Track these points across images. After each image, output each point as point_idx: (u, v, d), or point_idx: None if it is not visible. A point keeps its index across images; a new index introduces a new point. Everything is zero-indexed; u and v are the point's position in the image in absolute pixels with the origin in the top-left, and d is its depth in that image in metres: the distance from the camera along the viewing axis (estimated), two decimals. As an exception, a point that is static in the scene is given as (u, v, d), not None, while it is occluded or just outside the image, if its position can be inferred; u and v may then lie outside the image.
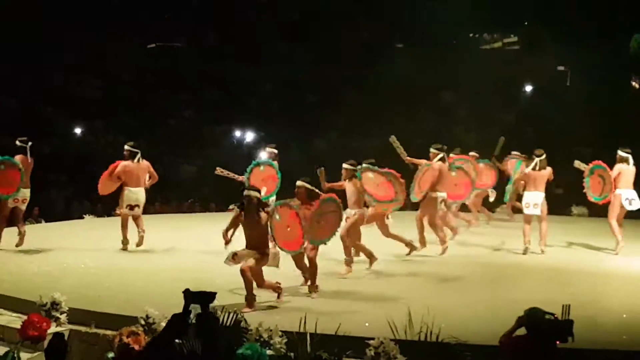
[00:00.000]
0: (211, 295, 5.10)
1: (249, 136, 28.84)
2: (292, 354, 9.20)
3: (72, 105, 28.97)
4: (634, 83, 32.55)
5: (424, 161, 15.04)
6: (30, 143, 15.04)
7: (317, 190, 12.19)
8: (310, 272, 12.07)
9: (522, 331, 7.90)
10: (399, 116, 28.25)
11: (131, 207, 14.91)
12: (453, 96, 30.77)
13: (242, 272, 11.04)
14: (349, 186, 13.28)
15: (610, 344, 9.72)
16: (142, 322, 9.79)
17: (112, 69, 31.58)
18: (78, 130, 28.10)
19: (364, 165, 13.54)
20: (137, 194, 14.92)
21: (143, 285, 11.94)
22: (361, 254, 13.72)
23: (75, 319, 10.69)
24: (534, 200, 15.22)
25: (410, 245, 14.64)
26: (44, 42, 31.95)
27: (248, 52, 32.76)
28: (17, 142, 15.04)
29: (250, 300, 11.02)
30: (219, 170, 14.97)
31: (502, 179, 17.82)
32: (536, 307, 7.96)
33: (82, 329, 10.45)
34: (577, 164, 15.70)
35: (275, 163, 14.78)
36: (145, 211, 15.90)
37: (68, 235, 17.61)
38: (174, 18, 34.39)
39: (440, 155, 15.02)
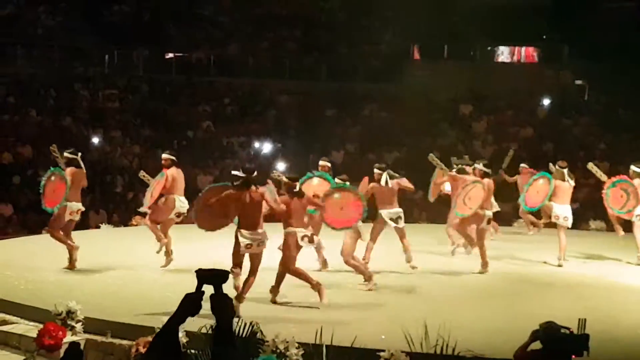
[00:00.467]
0: (224, 275, 5.10)
1: (266, 147, 28.88)
2: (305, 363, 9.24)
3: (91, 115, 29.10)
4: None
5: (470, 177, 14.99)
6: (80, 154, 14.79)
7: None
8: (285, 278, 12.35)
9: (537, 345, 7.88)
10: (417, 129, 28.26)
11: (178, 215, 14.60)
12: (471, 110, 30.74)
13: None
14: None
15: (626, 358, 9.69)
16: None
17: (131, 80, 31.75)
18: (96, 140, 28.18)
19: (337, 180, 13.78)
20: (184, 202, 14.60)
21: (160, 295, 11.96)
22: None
23: (91, 328, 10.74)
24: (562, 212, 15.28)
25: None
26: (63, 51, 32.21)
27: (267, 65, 32.89)
28: (66, 154, 14.65)
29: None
30: (142, 174, 15.08)
31: (515, 192, 17.77)
32: (552, 321, 7.94)
33: (99, 338, 10.50)
34: (591, 166, 15.66)
35: (329, 176, 14.57)
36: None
37: (85, 244, 17.63)
38: (193, 29, 34.53)
39: (488, 171, 14.85)
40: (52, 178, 14.34)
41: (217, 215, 11.74)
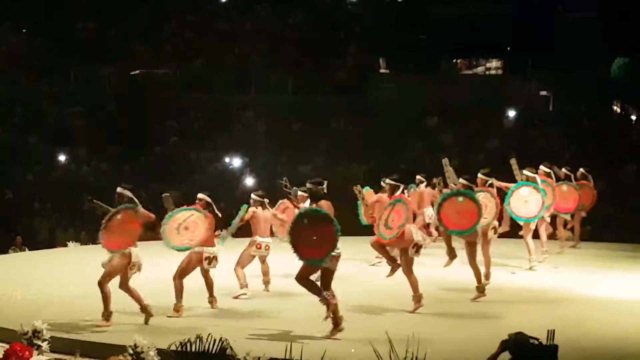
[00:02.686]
0: None
1: (234, 162, 28.87)
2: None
3: (56, 133, 28.95)
4: (615, 107, 32.76)
5: (503, 184, 15.22)
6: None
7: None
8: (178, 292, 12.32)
9: (506, 355, 7.93)
10: (384, 142, 28.34)
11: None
12: (437, 121, 30.88)
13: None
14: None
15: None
16: (131, 351, 9.76)
17: (96, 96, 31.59)
18: (62, 158, 28.05)
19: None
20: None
21: (130, 313, 11.90)
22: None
23: (60, 348, 10.63)
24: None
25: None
26: (26, 69, 31.98)
27: (233, 80, 32.85)
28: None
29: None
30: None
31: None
32: (521, 332, 7.99)
33: (67, 357, 10.41)
34: (513, 162, 15.73)
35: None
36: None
37: (52, 263, 17.56)
38: (159, 45, 34.41)
39: (490, 181, 14.88)
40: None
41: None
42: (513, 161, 15.96)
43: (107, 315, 11.64)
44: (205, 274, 12.74)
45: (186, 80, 32.95)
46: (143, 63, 33.66)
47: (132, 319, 11.74)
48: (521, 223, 16.07)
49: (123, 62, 33.05)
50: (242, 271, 13.72)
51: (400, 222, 12.34)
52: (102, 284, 11.71)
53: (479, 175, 14.92)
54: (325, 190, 11.39)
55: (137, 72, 33.86)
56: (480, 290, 13.52)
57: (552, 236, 17.88)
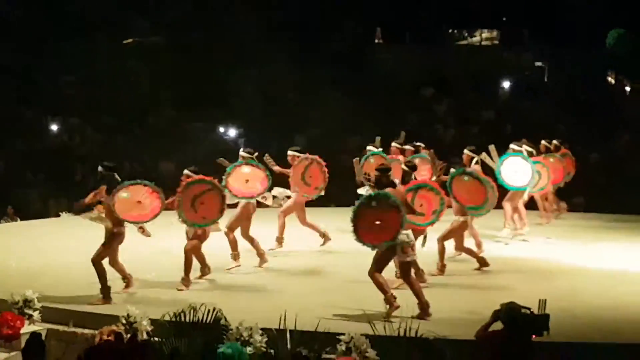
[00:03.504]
0: None
1: (231, 132, 28.83)
2: (272, 351, 9.23)
3: (49, 102, 28.84)
4: (609, 79, 32.73)
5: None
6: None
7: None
8: (188, 266, 12.25)
9: (498, 325, 7.96)
10: (379, 113, 28.27)
11: None
12: (433, 93, 30.81)
13: None
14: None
15: (585, 337, 9.80)
16: (124, 320, 9.78)
17: (89, 65, 31.42)
18: (54, 128, 27.95)
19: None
20: None
21: (121, 284, 11.89)
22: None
23: (53, 318, 10.66)
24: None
25: (324, 235, 15.13)
26: (18, 39, 31.80)
27: (229, 50, 32.69)
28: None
29: None
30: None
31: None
32: (513, 302, 8.02)
33: (61, 327, 10.43)
34: (484, 156, 15.58)
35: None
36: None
37: (46, 233, 17.56)
38: (154, 15, 34.21)
39: (477, 158, 14.83)
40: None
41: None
42: (492, 147, 15.85)
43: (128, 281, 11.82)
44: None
45: (181, 50, 32.78)
46: (137, 32, 33.49)
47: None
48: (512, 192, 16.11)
49: (117, 31, 32.87)
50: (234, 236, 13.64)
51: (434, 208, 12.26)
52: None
53: (465, 152, 14.95)
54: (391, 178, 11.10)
55: (131, 40, 33.70)
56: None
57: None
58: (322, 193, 14.98)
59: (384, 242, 10.54)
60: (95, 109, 28.64)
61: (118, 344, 8.23)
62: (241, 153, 14.14)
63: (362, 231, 10.52)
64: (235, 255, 13.51)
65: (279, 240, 14.97)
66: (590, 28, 30.82)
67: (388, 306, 10.47)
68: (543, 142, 17.83)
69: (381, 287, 10.64)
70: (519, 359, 7.90)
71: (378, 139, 16.63)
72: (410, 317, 9.48)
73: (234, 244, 13.52)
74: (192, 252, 12.31)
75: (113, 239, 11.68)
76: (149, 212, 11.79)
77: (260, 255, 13.78)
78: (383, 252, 10.63)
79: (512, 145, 16.07)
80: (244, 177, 13.66)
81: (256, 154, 14.07)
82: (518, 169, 15.66)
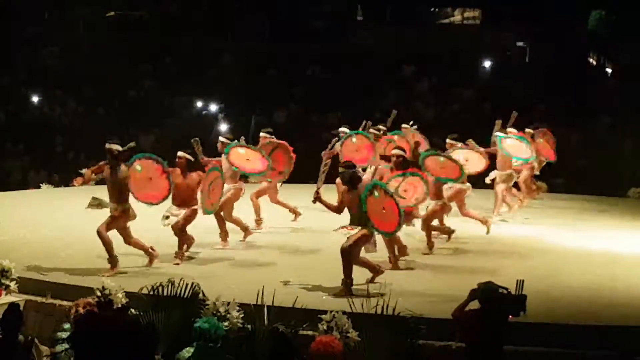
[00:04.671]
0: None
1: (212, 107, 28.72)
2: (249, 327, 9.24)
3: (30, 74, 28.65)
4: (591, 60, 32.77)
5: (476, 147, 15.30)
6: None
7: (197, 161, 12.59)
8: (181, 241, 12.31)
9: (475, 304, 7.99)
10: (359, 90, 28.23)
11: None
12: (414, 70, 30.76)
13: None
14: (224, 161, 13.47)
15: (562, 318, 9.86)
16: (99, 293, 9.77)
17: (71, 38, 31.22)
18: (35, 99, 27.75)
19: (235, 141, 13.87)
20: None
21: (100, 256, 11.87)
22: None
23: (31, 289, 10.64)
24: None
25: (294, 211, 15.40)
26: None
27: (209, 24, 32.51)
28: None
29: None
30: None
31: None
32: (490, 281, 8.06)
33: (38, 299, 10.42)
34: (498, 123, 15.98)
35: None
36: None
37: (25, 204, 17.49)
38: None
39: (459, 145, 15.01)
40: None
41: None
42: (498, 122, 16.23)
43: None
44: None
45: (161, 24, 32.60)
46: (118, 5, 33.27)
47: (102, 262, 11.70)
48: (519, 163, 16.26)
49: (97, 4, 32.64)
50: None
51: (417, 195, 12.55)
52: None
53: (448, 140, 15.15)
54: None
55: (112, 13, 33.48)
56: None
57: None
58: (286, 178, 14.97)
59: (394, 229, 11.06)
60: (76, 81, 28.46)
61: (109, 314, 8.24)
62: (220, 139, 14.10)
63: (376, 221, 10.79)
64: (225, 235, 13.53)
65: (258, 222, 14.98)
66: (572, 9, 30.86)
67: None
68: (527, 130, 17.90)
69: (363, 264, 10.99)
70: (496, 338, 7.95)
71: (394, 112, 16.64)
72: (388, 293, 9.47)
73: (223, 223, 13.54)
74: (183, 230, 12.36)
75: (119, 217, 11.57)
76: (158, 194, 11.68)
77: (245, 229, 13.95)
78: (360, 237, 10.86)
79: (497, 133, 16.18)
80: (244, 157, 13.68)
81: (236, 141, 14.01)
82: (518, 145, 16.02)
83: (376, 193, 10.87)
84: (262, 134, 15.09)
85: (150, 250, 11.91)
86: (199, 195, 12.19)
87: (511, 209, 16.72)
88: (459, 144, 14.97)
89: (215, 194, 12.34)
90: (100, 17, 32.82)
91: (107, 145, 11.78)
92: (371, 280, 11.00)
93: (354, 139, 14.85)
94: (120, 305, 9.55)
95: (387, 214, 10.91)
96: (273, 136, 15.03)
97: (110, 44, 30.60)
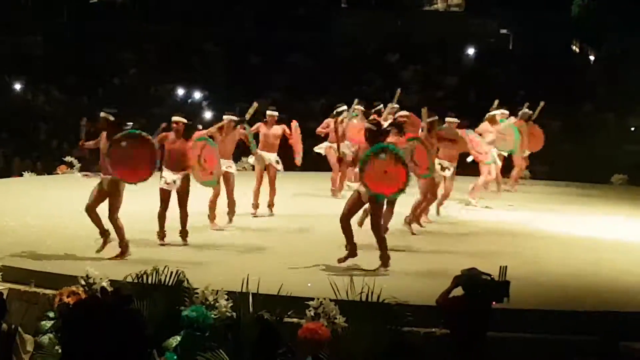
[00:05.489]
0: None
1: (196, 95, 28.66)
2: (234, 314, 9.23)
3: (12, 61, 28.50)
4: (574, 47, 32.86)
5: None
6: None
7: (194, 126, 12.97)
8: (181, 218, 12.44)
9: (459, 291, 8.01)
10: (343, 78, 28.23)
11: None
12: (398, 58, 30.77)
13: None
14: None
15: (546, 304, 9.90)
16: (82, 281, 9.74)
17: (54, 25, 31.07)
18: (18, 87, 27.63)
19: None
20: None
21: (84, 244, 11.84)
22: None
23: (15, 278, 10.59)
24: None
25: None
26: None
27: (192, 11, 32.40)
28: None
29: None
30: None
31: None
32: (474, 268, 8.07)
33: (22, 287, 10.37)
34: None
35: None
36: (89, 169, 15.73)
37: (8, 192, 17.41)
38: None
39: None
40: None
41: None
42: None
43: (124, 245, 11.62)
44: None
45: (145, 11, 32.48)
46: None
47: (86, 250, 11.66)
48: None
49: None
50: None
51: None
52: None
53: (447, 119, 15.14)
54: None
55: (95, 0, 33.34)
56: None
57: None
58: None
59: (394, 193, 11.10)
60: (59, 69, 28.34)
61: (104, 297, 8.19)
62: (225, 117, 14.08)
63: (370, 181, 10.84)
64: (213, 217, 13.63)
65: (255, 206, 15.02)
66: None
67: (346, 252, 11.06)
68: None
69: (347, 234, 11.16)
70: (479, 325, 7.97)
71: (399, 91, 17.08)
72: (373, 280, 9.47)
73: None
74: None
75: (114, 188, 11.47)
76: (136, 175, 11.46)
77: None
78: (355, 200, 11.07)
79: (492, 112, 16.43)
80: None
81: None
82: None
83: (383, 155, 10.90)
84: (270, 113, 15.10)
85: (107, 233, 11.67)
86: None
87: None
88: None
89: (209, 164, 12.44)
90: (83, 5, 32.68)
91: (103, 114, 11.74)
92: (343, 259, 11.13)
93: (354, 121, 15.17)
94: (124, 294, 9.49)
95: (388, 177, 10.89)
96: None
97: (93, 32, 30.50)
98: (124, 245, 11.52)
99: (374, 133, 11.26)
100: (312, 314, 9.06)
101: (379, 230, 11.18)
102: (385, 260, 11.12)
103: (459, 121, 14.94)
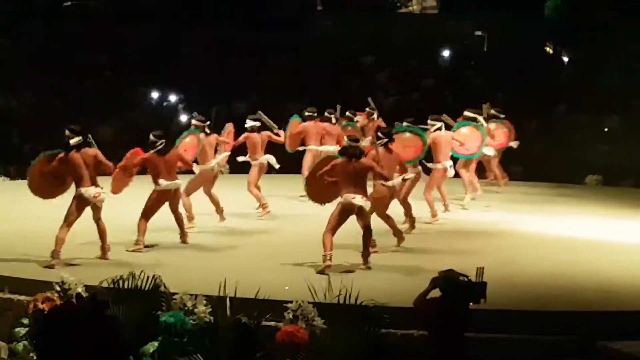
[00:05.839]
0: None
1: (169, 98, 28.54)
2: (211, 318, 9.17)
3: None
4: (547, 49, 32.99)
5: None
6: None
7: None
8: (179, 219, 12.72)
9: (437, 293, 8.01)
10: (320, 80, 28.21)
11: None
12: (374, 60, 30.79)
13: None
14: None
15: (522, 305, 9.93)
16: (58, 287, 9.65)
17: (26, 28, 30.83)
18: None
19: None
20: None
21: (64, 250, 11.74)
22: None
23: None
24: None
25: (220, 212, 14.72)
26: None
27: (169, 14, 32.29)
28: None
29: None
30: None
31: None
32: (451, 269, 8.08)
33: (-5, 294, 10.28)
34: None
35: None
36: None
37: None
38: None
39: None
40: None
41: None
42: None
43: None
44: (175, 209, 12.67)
45: (119, 13, 32.30)
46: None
47: (61, 256, 11.56)
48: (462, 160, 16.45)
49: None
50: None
51: None
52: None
53: (404, 124, 15.04)
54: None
55: (69, 3, 33.14)
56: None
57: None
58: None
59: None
60: (32, 72, 28.14)
61: (80, 303, 8.11)
62: (193, 122, 14.07)
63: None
64: (190, 217, 13.70)
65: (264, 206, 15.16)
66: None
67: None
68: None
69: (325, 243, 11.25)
70: (457, 326, 7.98)
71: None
72: (350, 282, 9.44)
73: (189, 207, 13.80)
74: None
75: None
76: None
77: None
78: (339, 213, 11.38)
79: (466, 113, 16.39)
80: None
81: (208, 122, 14.08)
82: (469, 137, 16.02)
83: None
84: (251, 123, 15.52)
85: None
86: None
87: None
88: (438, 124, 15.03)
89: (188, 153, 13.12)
90: (56, 6, 32.48)
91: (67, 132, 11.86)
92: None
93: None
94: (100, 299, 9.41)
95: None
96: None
97: (67, 34, 30.30)
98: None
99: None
100: (290, 316, 9.03)
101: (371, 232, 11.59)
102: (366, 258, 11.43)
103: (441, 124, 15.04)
